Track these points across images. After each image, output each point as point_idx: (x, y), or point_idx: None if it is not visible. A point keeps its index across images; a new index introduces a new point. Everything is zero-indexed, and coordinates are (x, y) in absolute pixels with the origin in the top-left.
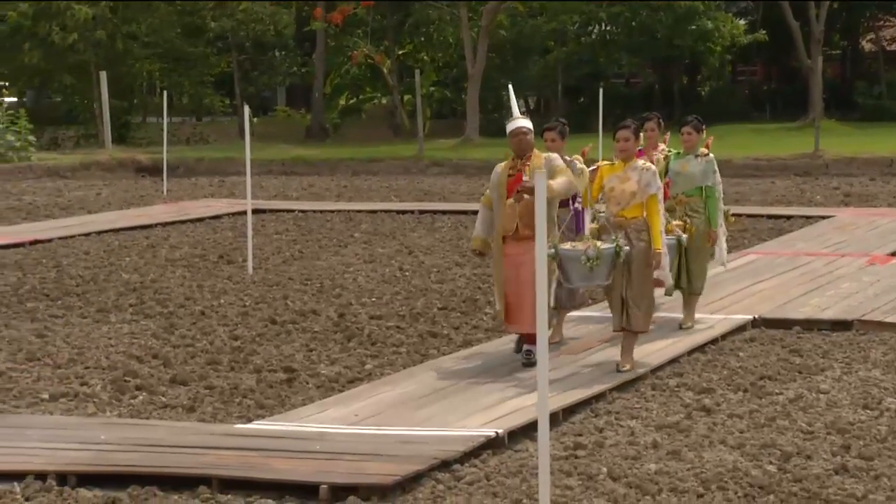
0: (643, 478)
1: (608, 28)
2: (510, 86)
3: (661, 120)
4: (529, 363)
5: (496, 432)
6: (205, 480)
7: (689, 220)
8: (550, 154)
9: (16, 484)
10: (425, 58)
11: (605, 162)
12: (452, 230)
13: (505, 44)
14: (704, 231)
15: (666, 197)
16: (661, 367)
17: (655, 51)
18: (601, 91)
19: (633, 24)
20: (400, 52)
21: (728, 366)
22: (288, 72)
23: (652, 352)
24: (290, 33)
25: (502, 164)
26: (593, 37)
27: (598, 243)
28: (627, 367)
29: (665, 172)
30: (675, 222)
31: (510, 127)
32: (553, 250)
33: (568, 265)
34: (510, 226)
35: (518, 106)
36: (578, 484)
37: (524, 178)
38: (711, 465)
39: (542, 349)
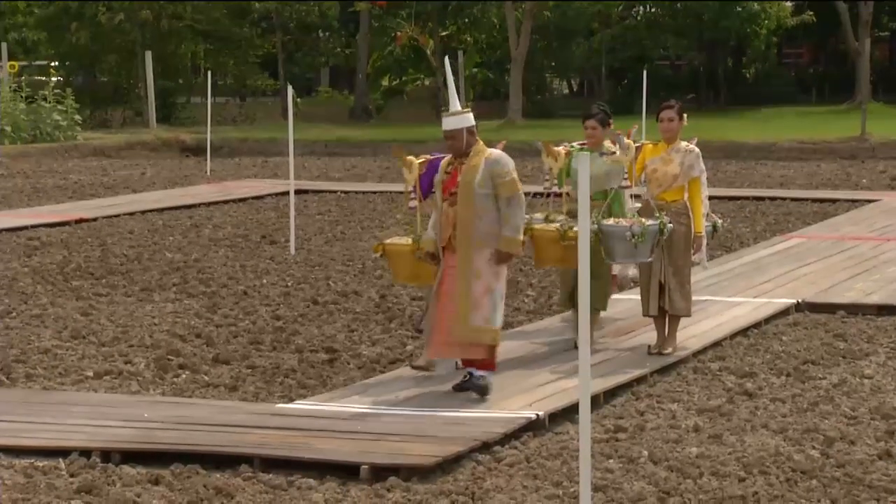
0: (684, 461)
1: (653, 10)
2: (447, 65)
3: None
4: (470, 387)
5: (537, 414)
6: (247, 459)
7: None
8: (495, 154)
9: (61, 460)
10: (469, 39)
11: (649, 142)
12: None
13: (549, 25)
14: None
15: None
16: (703, 351)
17: (701, 33)
18: (645, 74)
19: (679, 5)
20: (443, 34)
21: (771, 350)
22: (332, 53)
23: (694, 335)
24: (334, 14)
25: (445, 159)
26: (638, 19)
27: (644, 220)
28: (670, 349)
29: (567, 172)
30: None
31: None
32: (596, 226)
33: (612, 241)
34: (444, 234)
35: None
36: (619, 467)
37: (458, 179)
38: (753, 450)
39: (583, 329)
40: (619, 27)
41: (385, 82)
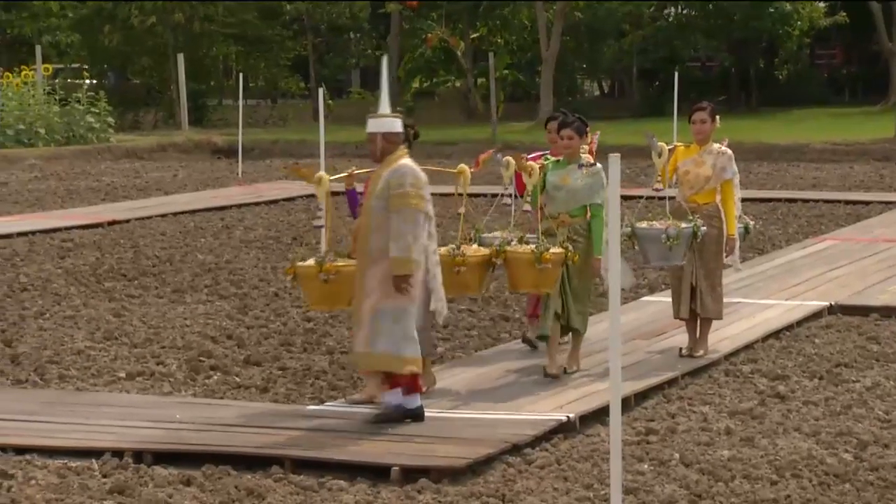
0: (716, 464)
1: (685, 11)
2: (384, 61)
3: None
4: (383, 419)
5: (567, 416)
6: (278, 460)
7: (571, 247)
8: (400, 164)
9: (94, 461)
10: (499, 41)
11: (681, 144)
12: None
13: (580, 26)
14: (587, 261)
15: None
16: (734, 353)
17: (732, 34)
18: (676, 74)
19: (710, 6)
20: (474, 35)
21: (803, 352)
22: (362, 54)
23: (726, 337)
24: (364, 16)
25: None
26: (670, 20)
27: (678, 222)
28: (701, 352)
29: (543, 187)
30: (553, 249)
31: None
32: (629, 229)
33: (647, 244)
34: (352, 247)
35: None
36: (650, 469)
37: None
38: (786, 453)
39: (614, 330)
40: (650, 28)
41: (416, 84)
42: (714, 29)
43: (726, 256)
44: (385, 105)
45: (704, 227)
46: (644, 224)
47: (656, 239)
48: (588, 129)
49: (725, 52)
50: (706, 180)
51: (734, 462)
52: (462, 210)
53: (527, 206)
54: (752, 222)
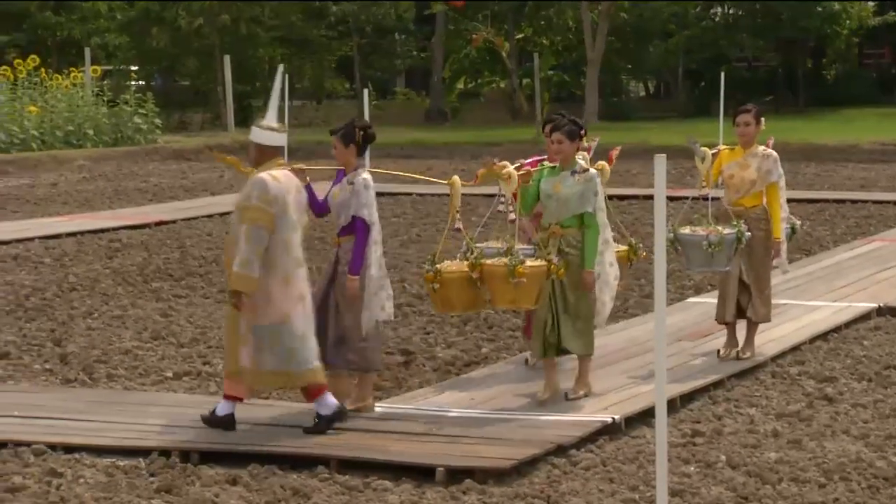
0: (763, 466)
1: (731, 11)
2: (278, 76)
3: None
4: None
5: (613, 418)
6: (323, 461)
7: (558, 259)
8: (257, 178)
9: (142, 459)
10: (544, 41)
11: (726, 147)
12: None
13: (625, 27)
14: (579, 274)
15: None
16: (781, 355)
17: (779, 33)
18: (722, 75)
19: (757, 6)
20: (519, 36)
21: (852, 354)
22: (407, 55)
23: (773, 339)
24: (409, 17)
25: None
26: (716, 20)
27: (721, 228)
28: (748, 354)
29: (536, 195)
30: (529, 262)
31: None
32: (672, 234)
33: (689, 250)
34: None
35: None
36: (696, 471)
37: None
38: (834, 456)
39: (659, 331)
40: (696, 28)
41: (461, 84)
42: (761, 29)
43: (773, 259)
44: (272, 116)
45: (749, 233)
46: (687, 230)
47: (698, 245)
48: (583, 132)
49: (772, 51)
50: (752, 184)
51: (781, 465)
52: (458, 225)
53: (512, 215)
54: (798, 222)
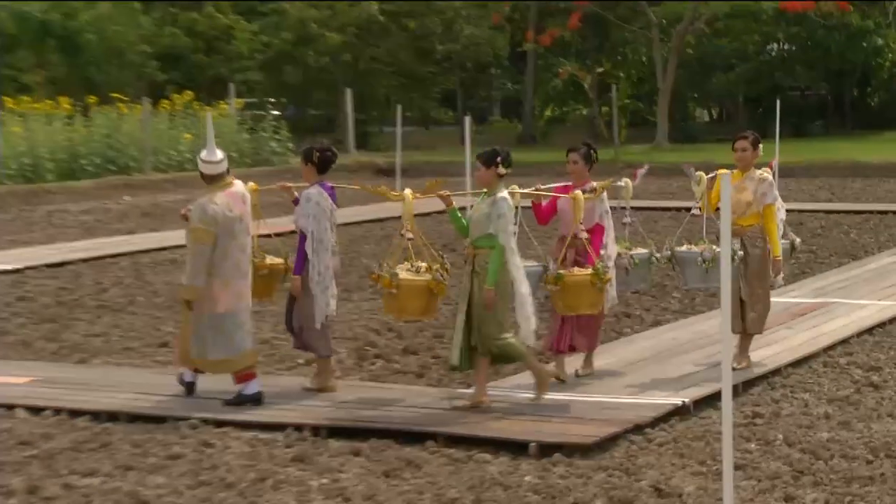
0: (816, 444)
1: (786, 46)
2: (209, 118)
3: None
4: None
5: (683, 401)
6: (432, 436)
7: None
8: (197, 203)
9: (279, 433)
10: (621, 74)
11: (725, 171)
12: (644, 224)
13: (692, 61)
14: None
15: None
16: (832, 347)
17: (829, 65)
18: (778, 102)
19: (809, 42)
20: (599, 70)
21: (895, 347)
22: (502, 87)
23: (824, 333)
24: (504, 54)
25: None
26: (772, 54)
27: (714, 247)
28: (744, 364)
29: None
30: (402, 275)
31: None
32: (669, 252)
33: (685, 266)
34: None
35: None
36: (757, 448)
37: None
38: (880, 435)
39: (725, 325)
40: (755, 62)
41: (548, 112)
42: (813, 61)
43: (774, 276)
44: (210, 151)
45: (741, 252)
46: (684, 248)
47: (692, 262)
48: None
49: (823, 81)
50: (748, 205)
51: (833, 443)
52: (406, 234)
53: (409, 234)
54: (798, 239)
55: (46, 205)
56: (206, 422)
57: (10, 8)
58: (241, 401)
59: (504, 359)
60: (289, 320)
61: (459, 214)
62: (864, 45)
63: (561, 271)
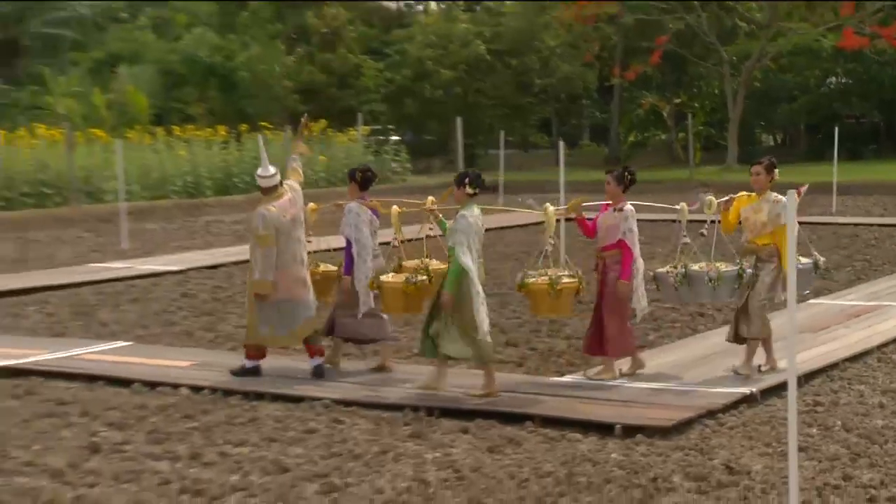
0: (871, 430)
1: (843, 80)
2: (260, 140)
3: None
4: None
5: (751, 390)
6: (529, 417)
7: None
8: (255, 212)
9: (399, 413)
10: (696, 105)
11: (744, 193)
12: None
13: (758, 93)
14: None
15: None
16: (885, 344)
17: (882, 95)
18: (836, 129)
19: (865, 76)
20: (677, 101)
21: None
22: (591, 116)
23: (879, 332)
24: (594, 87)
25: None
26: (831, 87)
27: (720, 265)
28: (745, 372)
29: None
30: (384, 277)
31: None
32: (683, 270)
33: (694, 283)
34: None
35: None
36: (818, 433)
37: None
38: None
39: (791, 323)
40: (815, 94)
41: (631, 138)
42: (867, 93)
43: (782, 291)
44: (264, 168)
45: (750, 270)
46: (696, 267)
47: (701, 280)
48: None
49: (876, 110)
50: (763, 226)
51: (887, 429)
52: (395, 243)
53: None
54: (822, 259)
55: (205, 216)
56: (337, 402)
57: (183, 52)
58: (242, 371)
59: (479, 358)
60: (329, 328)
61: (446, 224)
62: None
63: (527, 280)
